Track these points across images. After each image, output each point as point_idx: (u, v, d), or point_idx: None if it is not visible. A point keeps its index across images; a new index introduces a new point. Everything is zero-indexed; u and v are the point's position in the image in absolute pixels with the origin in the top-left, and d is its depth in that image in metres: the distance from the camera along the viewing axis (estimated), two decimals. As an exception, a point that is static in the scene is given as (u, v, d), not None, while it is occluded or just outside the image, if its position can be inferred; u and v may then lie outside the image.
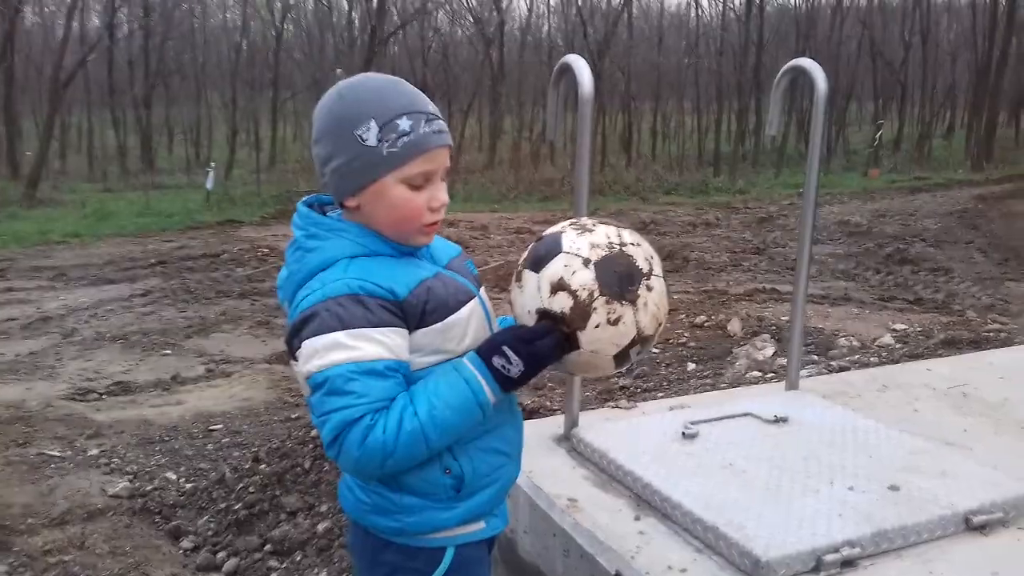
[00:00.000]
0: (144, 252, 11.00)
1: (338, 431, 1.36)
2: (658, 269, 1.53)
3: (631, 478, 2.23)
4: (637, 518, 2.10)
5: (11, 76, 21.03)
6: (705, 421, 2.52)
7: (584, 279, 1.45)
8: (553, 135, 2.65)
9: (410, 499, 1.51)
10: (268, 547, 3.31)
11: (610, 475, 2.32)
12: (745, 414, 2.57)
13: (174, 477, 4.06)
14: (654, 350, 5.99)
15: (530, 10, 31.19)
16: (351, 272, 1.43)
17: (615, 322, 1.45)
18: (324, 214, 1.55)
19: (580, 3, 25.54)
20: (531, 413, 3.75)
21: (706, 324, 6.80)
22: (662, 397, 4.41)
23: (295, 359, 1.43)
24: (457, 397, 1.40)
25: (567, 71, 2.44)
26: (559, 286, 1.46)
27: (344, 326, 1.38)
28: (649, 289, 1.48)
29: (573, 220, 1.61)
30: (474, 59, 26.46)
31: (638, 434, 2.47)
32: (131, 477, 4.06)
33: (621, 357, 1.50)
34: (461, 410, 1.41)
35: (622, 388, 4.96)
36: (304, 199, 1.58)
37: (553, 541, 2.13)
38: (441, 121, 1.52)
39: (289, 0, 25.98)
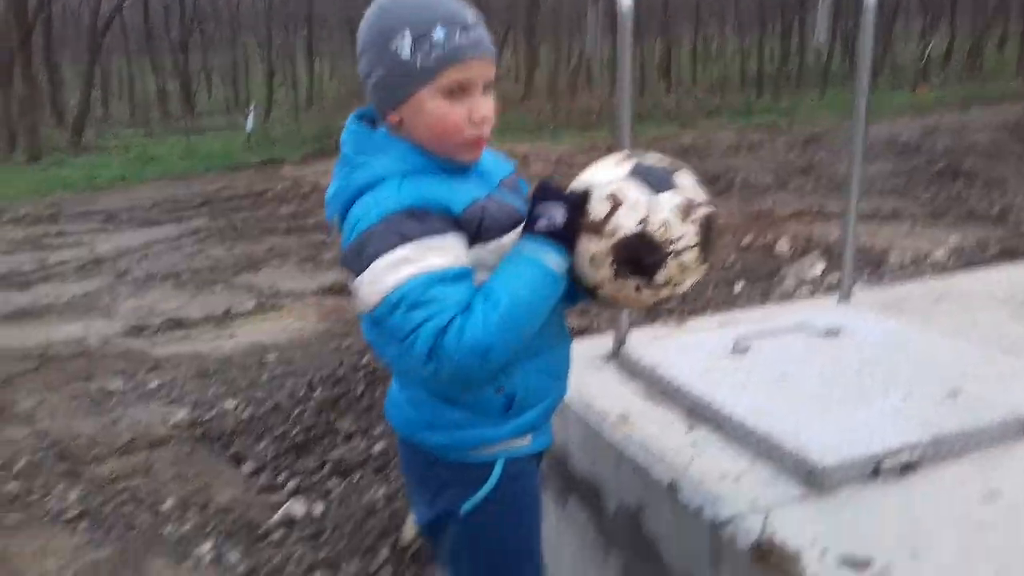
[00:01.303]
0: (189, 194, 11.13)
1: (431, 342, 1.34)
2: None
3: (681, 392, 2.23)
4: (689, 430, 2.11)
5: (50, 26, 21.15)
6: (756, 335, 2.50)
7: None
8: (592, 48, 2.59)
9: (460, 414, 1.52)
10: (326, 468, 3.41)
11: (660, 390, 2.32)
12: (797, 327, 2.55)
13: (231, 406, 4.17)
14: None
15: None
16: (404, 189, 1.40)
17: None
18: (375, 128, 1.53)
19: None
20: (579, 333, 3.75)
21: (753, 245, 6.73)
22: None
23: (357, 285, 1.41)
24: (529, 276, 1.40)
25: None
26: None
27: (407, 240, 1.36)
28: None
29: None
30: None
31: (688, 350, 2.47)
32: (190, 407, 4.17)
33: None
34: (537, 286, 1.41)
35: (669, 311, 4.94)
36: (356, 111, 1.56)
37: (605, 455, 2.15)
38: (480, 30, 1.46)
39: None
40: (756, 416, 2.01)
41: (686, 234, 1.44)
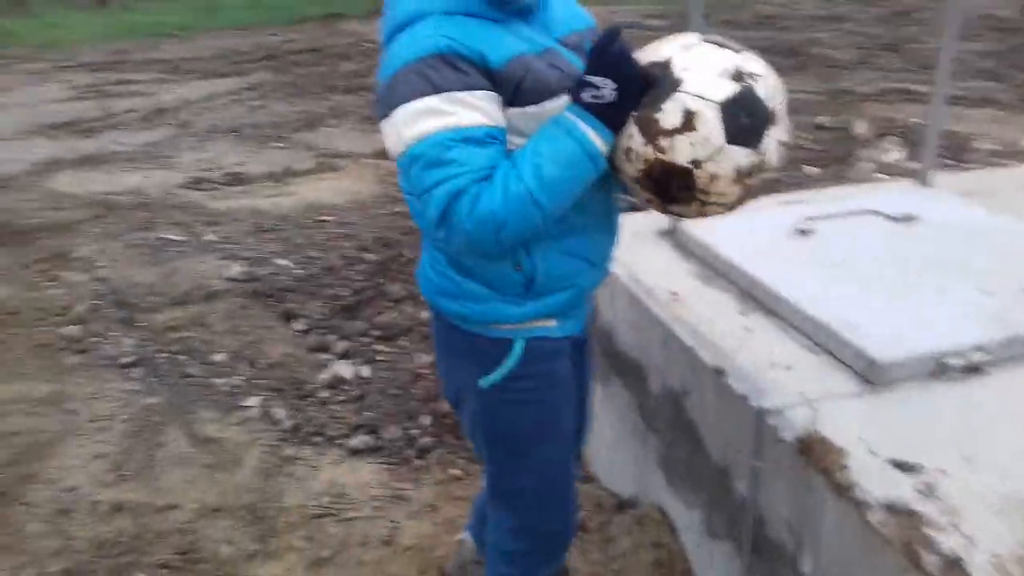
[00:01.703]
0: (251, 46, 10.98)
1: (444, 205, 1.27)
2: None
3: (737, 272, 2.13)
4: (742, 313, 2.02)
5: None
6: (823, 217, 2.36)
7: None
8: None
9: (476, 287, 1.46)
10: (374, 332, 3.41)
11: (715, 270, 2.22)
12: (869, 211, 2.40)
13: (286, 263, 4.18)
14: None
15: None
16: (443, 30, 1.28)
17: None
18: None
19: None
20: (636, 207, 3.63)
21: (828, 125, 6.40)
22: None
23: (384, 129, 1.33)
24: (562, 151, 1.28)
25: None
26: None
27: (436, 89, 1.25)
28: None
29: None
30: None
31: (748, 229, 2.34)
32: (246, 262, 4.20)
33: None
34: (569, 163, 1.28)
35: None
36: None
37: (653, 333, 2.08)
38: None
39: None
40: (814, 302, 1.91)
41: (728, 194, 1.31)
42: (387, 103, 1.30)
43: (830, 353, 1.80)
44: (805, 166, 5.50)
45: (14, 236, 4.55)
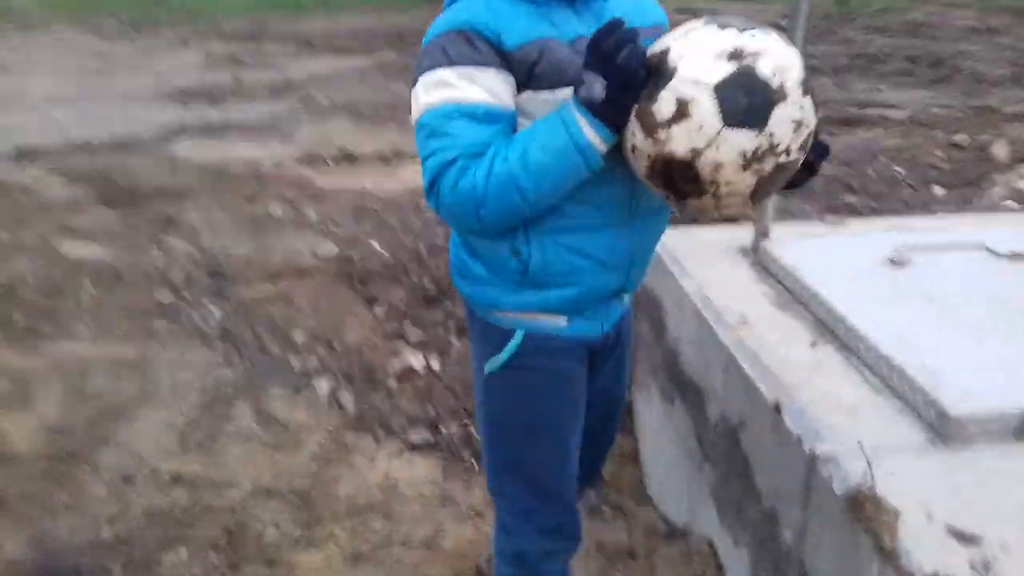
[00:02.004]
0: (384, 25, 11.21)
1: (433, 175, 1.29)
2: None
3: (815, 300, 1.98)
4: (813, 345, 1.87)
5: None
6: (922, 248, 2.17)
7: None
8: None
9: (479, 268, 1.46)
10: (451, 325, 3.39)
11: (793, 295, 2.07)
12: (976, 244, 2.19)
13: (378, 247, 4.21)
14: (899, 169, 5.39)
15: None
16: (473, 8, 1.30)
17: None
18: None
19: None
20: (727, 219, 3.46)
21: (965, 144, 5.99)
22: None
23: (412, 94, 1.35)
24: (552, 138, 1.25)
25: None
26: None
27: (450, 63, 1.28)
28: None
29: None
30: None
31: (836, 253, 2.18)
32: (340, 242, 4.25)
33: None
34: (557, 152, 1.25)
35: (848, 206, 4.51)
36: None
37: (715, 357, 1.96)
38: None
39: None
40: (892, 341, 1.74)
41: (737, 182, 1.22)
42: (415, 71, 1.34)
43: (902, 399, 1.65)
44: (935, 186, 5.16)
45: (130, 198, 4.75)
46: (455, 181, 1.27)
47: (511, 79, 1.29)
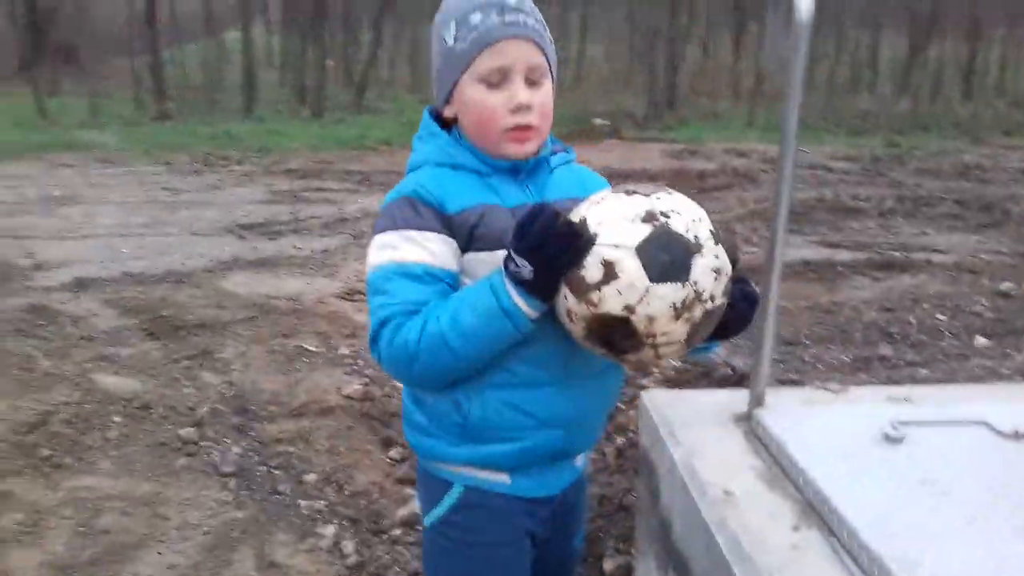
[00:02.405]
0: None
1: (374, 330, 1.37)
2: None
3: (802, 478, 1.92)
4: (796, 528, 1.81)
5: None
6: (920, 423, 2.11)
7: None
8: (771, 61, 2.29)
9: (422, 418, 1.50)
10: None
11: (783, 470, 2.02)
12: (977, 421, 2.12)
13: (401, 388, 4.25)
14: (941, 317, 5.29)
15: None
16: (420, 178, 1.41)
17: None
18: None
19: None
20: (740, 380, 3.43)
21: (1013, 293, 5.88)
22: (922, 378, 3.88)
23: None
24: (481, 301, 1.31)
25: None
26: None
27: (395, 227, 1.38)
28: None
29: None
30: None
31: (831, 426, 2.13)
32: (367, 381, 4.31)
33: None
34: (484, 315, 1.30)
35: (881, 358, 4.42)
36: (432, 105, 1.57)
37: (697, 533, 1.90)
38: (521, 13, 1.39)
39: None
40: (876, 529, 1.68)
41: (672, 332, 1.31)
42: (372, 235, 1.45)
43: (881, 594, 1.57)
44: (978, 336, 5.04)
45: (173, 331, 4.91)
46: (391, 337, 1.34)
47: (452, 243, 1.38)
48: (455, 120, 1.48)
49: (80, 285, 5.79)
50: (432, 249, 1.37)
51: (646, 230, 1.29)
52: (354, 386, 4.20)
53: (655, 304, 1.29)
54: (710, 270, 1.32)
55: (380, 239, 1.40)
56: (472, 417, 1.44)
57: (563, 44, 25.39)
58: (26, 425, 3.62)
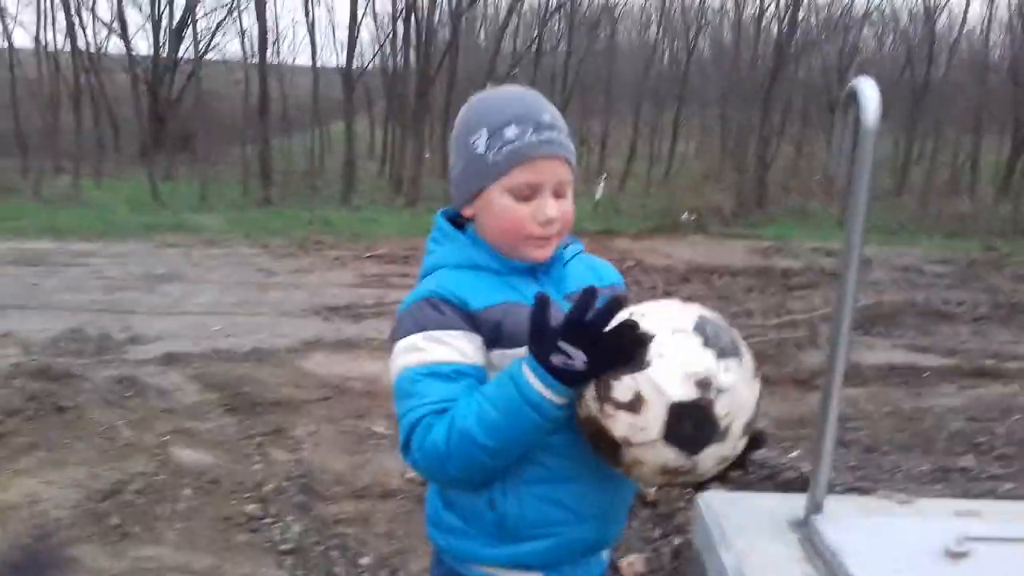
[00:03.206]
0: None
1: (407, 434, 1.35)
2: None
3: (855, 591, 1.84)
4: (843, 644, 1.72)
5: (453, 80, 23.71)
6: (987, 539, 2.00)
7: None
8: (836, 171, 2.28)
9: (455, 520, 1.47)
10: (519, 564, 3.32)
11: (836, 581, 1.93)
12: (1049, 540, 2.00)
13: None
14: None
15: (961, 23, 27.77)
16: (439, 280, 1.42)
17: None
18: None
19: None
20: (805, 484, 3.29)
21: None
22: (1003, 493, 3.66)
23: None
24: (504, 396, 1.29)
25: (854, 97, 2.08)
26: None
27: (420, 328, 1.37)
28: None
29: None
30: (894, 77, 24.38)
31: (890, 538, 2.03)
32: (431, 466, 4.31)
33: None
34: (509, 410, 1.28)
35: (962, 470, 4.20)
36: (445, 208, 1.59)
37: (741, 644, 1.83)
38: (555, 131, 1.43)
39: (703, 18, 26.13)
40: (928, 652, 1.59)
41: (648, 478, 1.36)
42: (389, 342, 1.45)
43: None
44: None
45: (249, 407, 5.05)
46: (423, 439, 1.32)
47: (478, 339, 1.38)
48: (467, 220, 1.51)
49: (169, 359, 6.03)
50: (460, 347, 1.36)
51: (691, 393, 1.24)
52: (418, 471, 4.20)
53: (651, 455, 1.27)
54: (719, 456, 1.31)
55: (404, 343, 1.39)
56: (509, 514, 1.41)
57: (655, 141, 25.75)
58: (100, 493, 3.74)
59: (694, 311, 1.35)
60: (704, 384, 1.25)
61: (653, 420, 1.24)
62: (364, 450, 4.51)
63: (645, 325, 1.30)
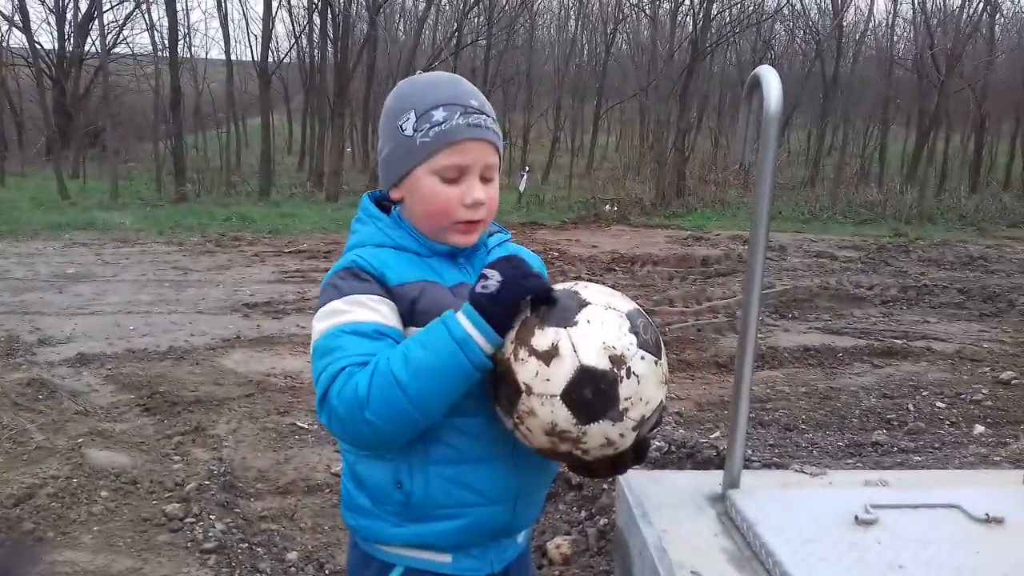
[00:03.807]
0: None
1: (323, 388, 1.32)
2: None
3: (771, 560, 1.90)
4: (760, 611, 1.79)
5: (371, 78, 23.49)
6: (893, 506, 2.09)
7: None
8: (741, 157, 2.34)
9: (364, 500, 1.47)
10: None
11: (753, 552, 1.99)
12: (950, 505, 2.10)
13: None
14: (940, 405, 5.25)
15: (868, 19, 28.83)
16: (359, 252, 1.44)
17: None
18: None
19: (930, 9, 23.10)
20: (709, 463, 3.39)
21: (1014, 382, 5.83)
22: (913, 465, 3.83)
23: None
24: (432, 335, 1.30)
25: (757, 85, 2.14)
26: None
27: (341, 295, 1.38)
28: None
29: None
30: (804, 70, 25.09)
31: (803, 509, 2.11)
32: (357, 459, 4.28)
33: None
34: (435, 348, 1.28)
35: (874, 444, 4.37)
36: (372, 191, 1.61)
37: (663, 616, 1.88)
38: (483, 116, 1.45)
39: (620, 14, 26.43)
40: (839, 614, 1.66)
41: (535, 436, 1.35)
42: (314, 315, 1.44)
43: None
44: (977, 424, 4.99)
45: (168, 407, 4.92)
46: (341, 387, 1.30)
47: (396, 308, 1.40)
48: (394, 203, 1.52)
49: (82, 360, 5.83)
50: (380, 309, 1.37)
51: (602, 363, 1.27)
52: (342, 464, 4.17)
53: (544, 411, 1.29)
54: (605, 437, 1.31)
55: (325, 309, 1.39)
56: (415, 494, 1.41)
57: (576, 134, 25.97)
58: (13, 498, 3.60)
59: (633, 305, 1.39)
60: (617, 361, 1.28)
61: (559, 376, 1.27)
62: (288, 446, 4.44)
63: (585, 294, 1.36)
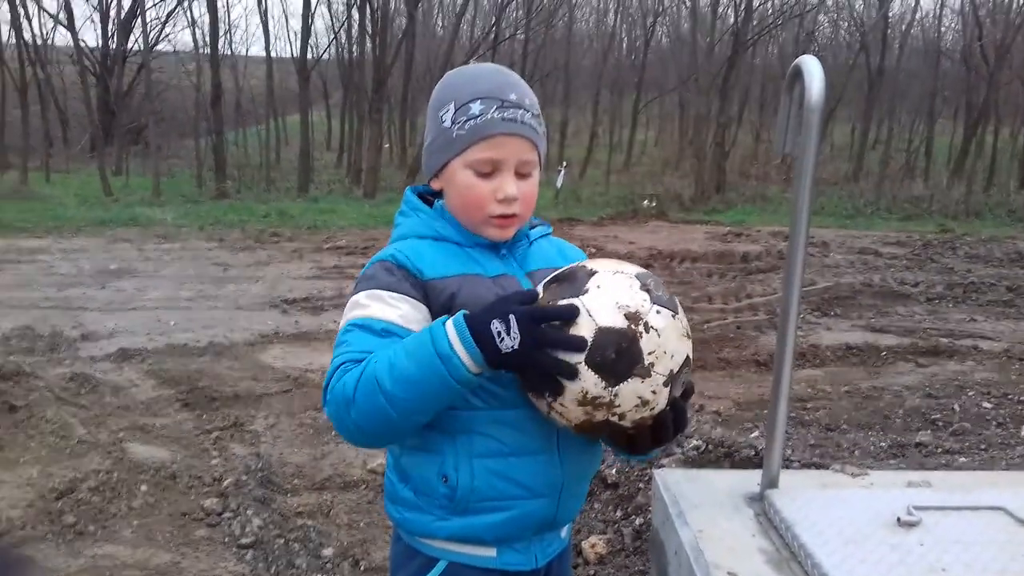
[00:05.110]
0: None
1: (326, 382, 1.34)
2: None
3: (810, 562, 1.85)
4: (799, 615, 1.74)
5: (409, 74, 23.59)
6: (936, 508, 2.03)
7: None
8: (782, 149, 2.29)
9: (408, 493, 1.46)
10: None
11: (792, 553, 1.95)
12: (995, 507, 2.04)
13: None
14: (987, 405, 5.13)
15: (914, 10, 28.28)
16: (398, 246, 1.44)
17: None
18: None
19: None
20: (747, 462, 3.32)
21: (1065, 380, 5.67)
22: (958, 466, 3.73)
23: None
24: (417, 346, 1.28)
25: (799, 75, 2.09)
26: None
27: (367, 288, 1.39)
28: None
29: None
30: (848, 63, 24.67)
31: (843, 509, 2.06)
32: (393, 455, 4.29)
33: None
34: (419, 359, 1.27)
35: (918, 445, 4.27)
36: (415, 186, 1.60)
37: (698, 618, 1.84)
38: (520, 111, 1.43)
39: (660, 6, 26.23)
40: (880, 619, 1.61)
41: (568, 410, 1.33)
42: None
43: None
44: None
45: (207, 402, 4.98)
46: (336, 382, 1.32)
47: (424, 309, 1.39)
48: (438, 194, 1.52)
49: (124, 356, 5.92)
50: (399, 309, 1.36)
51: (619, 322, 1.28)
52: (379, 460, 4.18)
53: (572, 383, 1.28)
54: (637, 397, 1.30)
55: (350, 302, 1.41)
56: (461, 487, 1.40)
57: (615, 129, 25.83)
58: (55, 491, 3.66)
59: (641, 269, 1.40)
60: (633, 317, 1.28)
61: (584, 335, 1.27)
62: (324, 442, 4.46)
63: (592, 265, 1.37)
